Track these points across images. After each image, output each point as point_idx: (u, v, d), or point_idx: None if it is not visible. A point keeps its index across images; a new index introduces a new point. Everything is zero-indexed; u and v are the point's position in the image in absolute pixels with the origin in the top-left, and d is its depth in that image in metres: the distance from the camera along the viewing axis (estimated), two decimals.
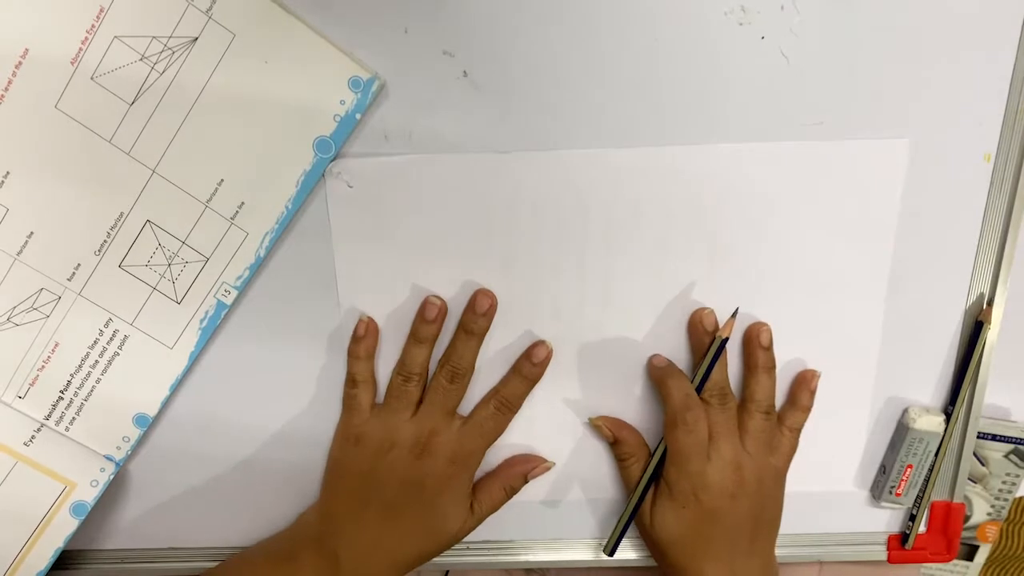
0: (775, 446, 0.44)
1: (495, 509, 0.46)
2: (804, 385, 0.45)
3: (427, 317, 0.43)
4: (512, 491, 0.46)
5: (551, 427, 0.47)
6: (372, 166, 0.41)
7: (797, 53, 0.39)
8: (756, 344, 0.43)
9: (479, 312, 0.43)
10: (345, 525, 0.44)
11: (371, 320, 0.44)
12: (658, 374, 0.44)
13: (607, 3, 0.38)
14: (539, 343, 0.44)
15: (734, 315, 0.43)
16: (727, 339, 0.42)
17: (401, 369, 0.44)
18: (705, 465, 0.43)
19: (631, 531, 0.46)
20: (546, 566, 0.50)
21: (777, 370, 0.45)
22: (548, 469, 0.47)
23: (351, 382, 0.45)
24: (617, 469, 0.47)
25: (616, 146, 0.40)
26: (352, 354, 0.44)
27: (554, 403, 0.46)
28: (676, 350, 0.45)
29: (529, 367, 0.44)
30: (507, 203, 0.42)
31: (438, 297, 0.43)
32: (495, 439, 0.45)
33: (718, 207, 0.42)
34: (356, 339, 0.44)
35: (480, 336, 0.44)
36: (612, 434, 0.45)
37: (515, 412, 0.45)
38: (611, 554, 0.47)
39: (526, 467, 0.46)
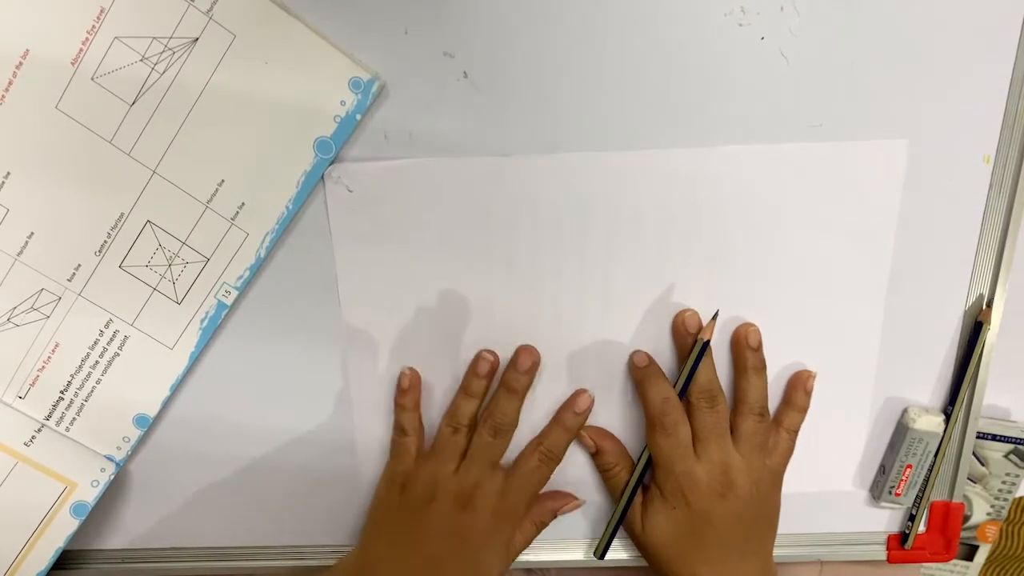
0: (771, 447, 0.44)
1: (527, 546, 0.46)
2: (800, 386, 0.44)
3: (479, 372, 0.43)
4: (542, 526, 0.46)
5: None
6: (372, 170, 0.41)
7: (796, 54, 0.39)
8: (744, 346, 0.43)
9: (521, 370, 0.43)
10: (385, 573, 0.44)
11: (413, 371, 0.44)
12: (638, 376, 0.44)
13: (607, 4, 0.38)
14: (581, 392, 0.44)
15: (714, 317, 0.43)
16: (708, 341, 0.42)
17: (450, 420, 0.44)
18: (693, 466, 0.43)
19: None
20: (546, 566, 0.50)
21: (777, 371, 0.45)
22: (578, 507, 0.47)
23: (400, 430, 0.45)
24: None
25: (616, 148, 0.40)
26: (399, 406, 0.45)
27: (556, 404, 0.46)
28: (676, 352, 0.45)
29: (572, 417, 0.44)
30: (507, 206, 0.42)
31: (491, 352, 0.43)
32: (539, 490, 0.45)
33: (718, 209, 0.42)
34: (402, 391, 0.44)
35: (522, 393, 0.44)
36: (594, 444, 0.45)
37: (559, 462, 0.45)
38: (602, 557, 0.48)
39: (556, 504, 0.46)
